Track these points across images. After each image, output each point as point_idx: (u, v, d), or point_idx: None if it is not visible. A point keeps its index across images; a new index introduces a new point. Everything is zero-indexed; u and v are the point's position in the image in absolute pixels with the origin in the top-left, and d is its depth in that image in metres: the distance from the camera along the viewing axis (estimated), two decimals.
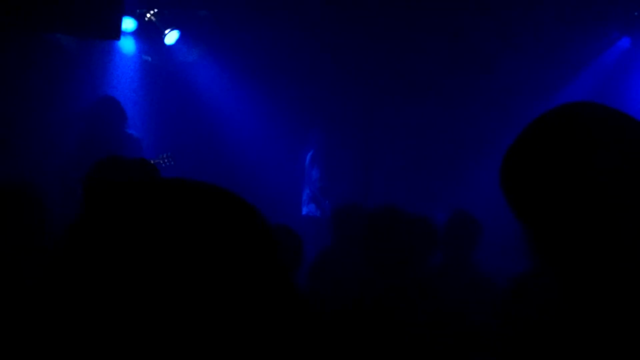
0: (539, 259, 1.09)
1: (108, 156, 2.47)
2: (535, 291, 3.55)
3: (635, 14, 6.19)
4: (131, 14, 6.19)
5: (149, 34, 6.52)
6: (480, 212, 4.74)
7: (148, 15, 6.37)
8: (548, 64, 6.54)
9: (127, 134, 5.53)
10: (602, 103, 1.10)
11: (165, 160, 5.38)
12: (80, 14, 4.46)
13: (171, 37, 6.52)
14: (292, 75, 6.84)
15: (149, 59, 6.85)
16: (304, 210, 7.01)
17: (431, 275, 3.63)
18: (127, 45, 6.46)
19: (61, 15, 4.39)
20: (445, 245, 4.14)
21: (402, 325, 3.07)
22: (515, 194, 1.09)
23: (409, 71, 6.79)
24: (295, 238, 3.43)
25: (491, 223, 5.30)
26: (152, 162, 5.28)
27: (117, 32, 4.87)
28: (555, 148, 1.04)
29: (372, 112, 7.05)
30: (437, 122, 6.92)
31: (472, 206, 4.84)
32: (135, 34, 6.45)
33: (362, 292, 3.35)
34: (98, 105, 5.52)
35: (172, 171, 5.30)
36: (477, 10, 6.06)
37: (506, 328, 3.66)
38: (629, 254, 1.00)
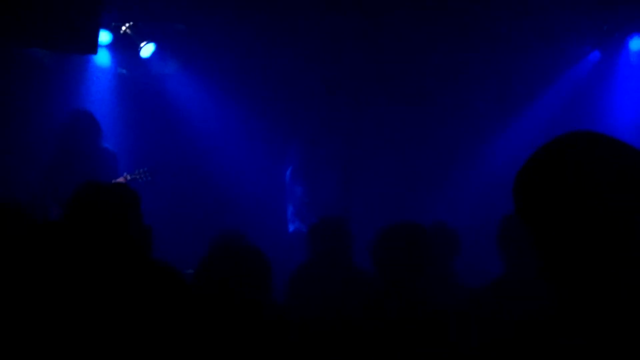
0: (542, 263, 1.23)
1: (88, 181, 2.45)
2: (512, 298, 3.61)
3: (605, 28, 6.33)
4: (107, 27, 6.16)
5: (124, 47, 6.48)
6: (461, 223, 4.81)
7: (123, 28, 6.33)
8: (521, 77, 6.66)
9: (102, 148, 5.48)
10: (596, 131, 1.27)
11: (142, 176, 5.34)
12: (58, 28, 4.42)
13: (147, 50, 6.49)
14: (271, 89, 6.85)
15: (125, 71, 6.81)
16: (291, 228, 6.93)
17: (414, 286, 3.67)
18: (102, 58, 6.42)
19: (38, 30, 4.35)
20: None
21: (384, 337, 3.09)
22: (525, 207, 1.26)
23: (390, 83, 6.85)
24: (261, 261, 3.39)
25: (473, 233, 5.37)
26: (128, 177, 5.28)
27: (95, 47, 4.84)
28: (560, 169, 1.23)
29: (353, 125, 7.08)
30: (418, 134, 6.99)
31: (453, 219, 4.90)
32: (111, 46, 6.41)
33: (342, 306, 3.37)
34: (73, 119, 5.46)
35: (150, 187, 5.25)
36: (452, 24, 6.14)
37: (485, 337, 3.70)
38: (619, 261, 1.14)
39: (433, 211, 5.98)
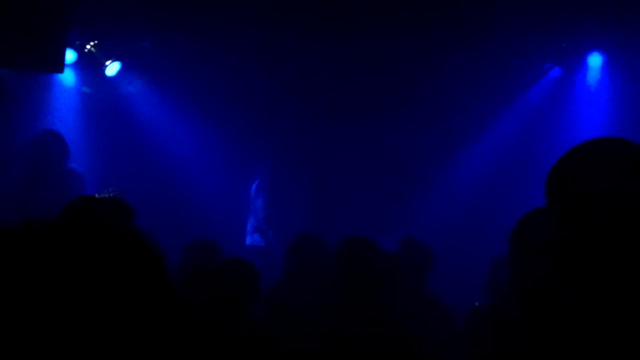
0: (569, 255, 1.31)
1: (81, 196, 2.39)
2: (494, 322, 3.64)
3: (564, 45, 6.51)
4: (71, 46, 6.08)
5: (89, 66, 6.41)
6: (433, 238, 4.84)
7: (88, 46, 6.27)
8: (484, 92, 6.78)
9: (69, 170, 5.39)
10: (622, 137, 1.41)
11: (111, 195, 5.26)
12: (23, 47, 4.35)
13: (112, 68, 6.42)
14: (238, 107, 6.84)
15: (89, 90, 6.73)
16: (248, 240, 6.97)
17: (386, 302, 3.67)
18: (66, 77, 6.33)
19: (3, 49, 4.27)
20: (397, 272, 4.19)
21: (358, 355, 3.09)
22: (557, 201, 1.35)
23: (354, 97, 6.90)
24: (249, 270, 3.42)
25: (446, 246, 5.41)
26: (97, 196, 5.19)
27: (61, 65, 4.77)
28: (588, 170, 1.34)
29: (323, 141, 7.11)
30: (384, 147, 7.05)
31: (422, 232, 4.94)
32: (75, 65, 6.33)
33: (320, 325, 3.35)
34: (40, 140, 5.38)
35: None
36: (418, 41, 6.23)
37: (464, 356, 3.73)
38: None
39: (402, 225, 6.03)
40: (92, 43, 6.27)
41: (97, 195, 5.12)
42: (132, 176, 6.48)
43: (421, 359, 3.28)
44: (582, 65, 6.51)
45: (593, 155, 1.37)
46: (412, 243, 4.42)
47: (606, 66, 6.39)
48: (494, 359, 3.35)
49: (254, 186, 7.03)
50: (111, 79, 6.54)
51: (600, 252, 1.26)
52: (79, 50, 6.23)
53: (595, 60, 6.40)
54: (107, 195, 4.88)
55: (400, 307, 3.91)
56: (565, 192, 1.34)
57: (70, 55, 6.12)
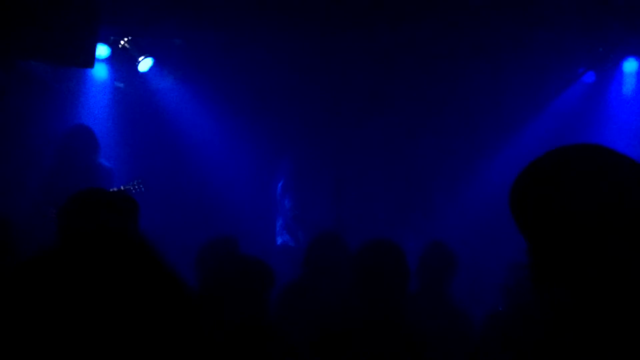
0: (539, 272, 1.28)
1: (86, 188, 2.43)
2: (512, 327, 3.59)
3: (600, 49, 6.39)
4: (105, 41, 6.19)
5: (122, 61, 6.52)
6: (453, 239, 4.79)
7: (122, 42, 6.37)
8: (517, 95, 6.69)
9: (98, 164, 5.49)
10: (598, 144, 1.33)
11: (136, 187, 5.35)
12: (55, 41, 4.45)
13: (145, 64, 6.52)
14: (265, 103, 6.88)
15: (122, 85, 6.84)
16: (279, 241, 6.97)
17: (407, 306, 3.65)
18: (100, 72, 6.45)
19: (35, 43, 4.37)
20: (420, 276, 4.16)
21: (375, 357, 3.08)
22: (520, 216, 1.31)
23: (380, 97, 6.88)
24: (265, 269, 3.43)
25: (465, 248, 5.35)
26: (122, 188, 5.28)
27: (92, 60, 4.86)
28: (553, 179, 1.28)
29: (345, 140, 7.11)
30: (410, 149, 7.01)
31: (443, 234, 4.89)
32: (109, 60, 6.44)
33: (336, 322, 3.35)
34: (72, 134, 5.48)
35: (143, 198, 5.26)
36: (447, 42, 6.18)
37: None
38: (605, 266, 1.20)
39: (423, 227, 5.98)
40: (125, 39, 6.36)
41: (121, 188, 5.22)
42: (161, 172, 6.57)
43: None
44: (617, 71, 6.38)
45: (558, 168, 1.28)
46: (438, 247, 4.37)
47: None
48: None
49: (279, 186, 7.04)
50: (144, 74, 6.63)
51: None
52: (113, 45, 6.34)
53: (630, 66, 6.26)
54: (115, 189, 4.96)
55: (421, 311, 3.88)
56: (526, 212, 1.28)
57: (104, 51, 6.24)
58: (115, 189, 5.21)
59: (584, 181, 1.23)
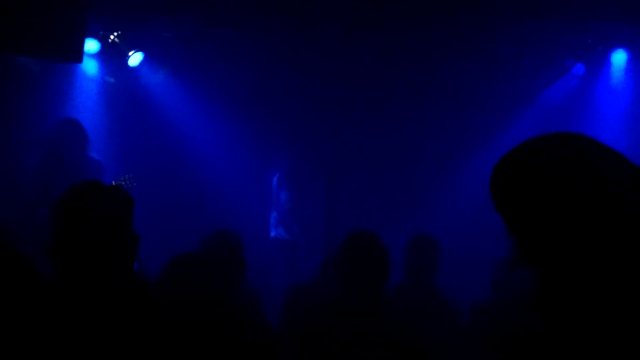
0: (522, 260, 1.30)
1: (86, 181, 2.42)
2: (497, 316, 3.63)
3: (589, 41, 6.41)
4: (94, 36, 6.18)
5: (112, 56, 6.50)
6: (446, 232, 4.82)
7: (111, 37, 6.36)
8: (506, 88, 6.71)
9: (88, 157, 5.49)
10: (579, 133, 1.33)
11: (127, 182, 5.35)
12: (43, 36, 4.43)
13: (135, 58, 6.51)
14: (258, 97, 6.88)
15: (112, 80, 6.82)
16: (272, 233, 6.99)
17: (392, 297, 3.68)
18: (90, 67, 6.43)
19: (23, 38, 4.35)
20: (406, 266, 4.20)
21: (365, 347, 3.10)
22: (501, 202, 1.33)
23: (378, 94, 6.90)
24: (231, 237, 3.49)
25: (456, 244, 5.37)
26: (113, 183, 5.28)
27: (80, 55, 4.85)
28: (534, 166, 1.29)
29: (340, 135, 7.12)
30: (404, 144, 7.03)
31: (435, 228, 4.92)
32: (99, 55, 6.43)
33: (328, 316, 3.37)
34: (60, 128, 5.47)
35: (134, 193, 5.26)
36: (438, 37, 6.19)
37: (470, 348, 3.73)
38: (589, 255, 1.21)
39: (418, 219, 6.01)
40: (115, 33, 6.35)
41: (112, 183, 5.22)
42: (153, 166, 6.57)
43: (424, 356, 3.28)
44: (606, 62, 6.40)
45: (538, 156, 1.30)
46: (422, 238, 4.41)
47: (631, 64, 6.28)
48: (499, 356, 3.34)
49: (275, 179, 7.06)
50: (134, 69, 6.62)
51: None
52: (103, 40, 6.32)
53: (619, 58, 6.29)
54: (113, 183, 4.96)
55: (405, 304, 3.91)
56: (505, 197, 1.30)
57: (93, 45, 6.22)
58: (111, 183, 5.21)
59: (560, 166, 1.26)
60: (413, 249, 4.26)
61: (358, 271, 3.09)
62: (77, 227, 2.18)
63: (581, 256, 1.22)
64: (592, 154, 1.29)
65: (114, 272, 2.17)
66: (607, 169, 1.26)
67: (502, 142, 6.65)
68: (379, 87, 6.82)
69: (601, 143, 1.33)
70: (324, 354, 3.02)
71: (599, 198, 1.22)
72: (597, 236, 1.21)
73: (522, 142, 1.35)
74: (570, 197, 1.23)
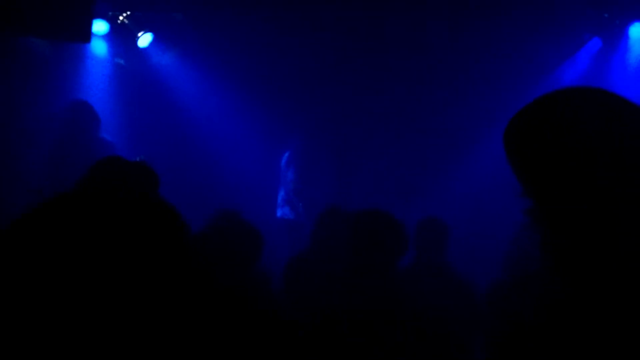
0: (539, 221, 1.22)
1: (109, 156, 2.40)
2: (515, 296, 3.58)
3: (606, 15, 6.27)
4: (103, 17, 6.13)
5: (121, 37, 6.46)
6: (455, 215, 4.77)
7: (120, 18, 6.31)
8: (522, 63, 6.60)
9: (99, 139, 5.47)
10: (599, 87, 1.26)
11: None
12: (51, 16, 4.40)
13: (144, 39, 6.46)
14: (269, 78, 6.82)
15: (122, 61, 6.79)
16: (279, 213, 6.98)
17: (404, 277, 3.65)
18: (99, 48, 6.39)
19: (32, 18, 4.33)
20: (417, 247, 4.19)
21: (379, 328, 3.07)
22: (517, 158, 1.27)
23: (388, 76, 6.82)
24: (254, 235, 3.46)
25: (467, 223, 5.31)
26: (124, 160, 5.26)
27: (88, 35, 4.81)
28: (549, 122, 1.23)
29: (350, 117, 7.06)
30: (415, 126, 6.96)
31: (446, 208, 4.87)
32: (108, 36, 6.38)
33: (339, 296, 3.34)
34: (70, 109, 5.46)
35: None
36: (450, 16, 6.09)
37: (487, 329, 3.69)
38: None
39: (428, 201, 5.95)
40: (124, 14, 6.30)
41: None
42: (163, 146, 6.55)
43: (439, 333, 3.25)
44: (623, 36, 6.26)
45: (555, 109, 1.23)
46: (431, 220, 4.40)
47: None
48: (513, 333, 3.30)
49: (284, 158, 7.03)
50: (144, 50, 6.58)
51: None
52: (112, 21, 6.28)
53: (636, 31, 6.14)
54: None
55: (417, 281, 3.88)
56: (520, 150, 1.24)
57: (102, 26, 6.18)
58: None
59: (579, 117, 1.20)
60: (422, 230, 4.25)
61: (376, 244, 3.07)
62: None
63: (603, 215, 1.15)
64: (614, 107, 1.23)
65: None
66: (631, 122, 1.21)
67: None
68: (393, 64, 6.73)
69: (623, 97, 1.27)
70: (337, 329, 3.00)
71: (620, 152, 1.16)
72: (617, 193, 1.15)
73: (539, 97, 1.28)
74: (589, 152, 1.17)
